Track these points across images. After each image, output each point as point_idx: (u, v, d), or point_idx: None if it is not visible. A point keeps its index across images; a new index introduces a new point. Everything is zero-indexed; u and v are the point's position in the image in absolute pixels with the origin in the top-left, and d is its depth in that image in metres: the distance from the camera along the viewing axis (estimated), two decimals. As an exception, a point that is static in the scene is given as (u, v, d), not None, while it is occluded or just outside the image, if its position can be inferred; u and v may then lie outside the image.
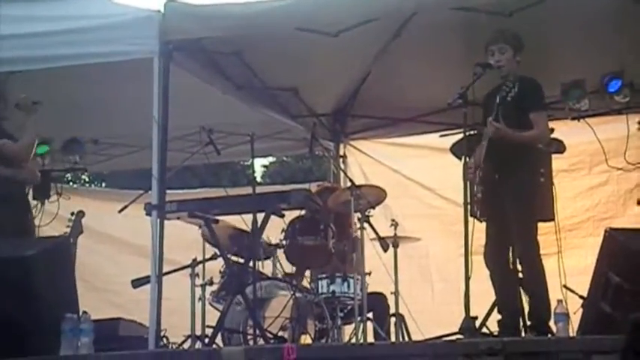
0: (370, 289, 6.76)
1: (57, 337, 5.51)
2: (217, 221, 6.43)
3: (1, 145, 6.42)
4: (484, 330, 6.20)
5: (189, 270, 6.49)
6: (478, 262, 6.18)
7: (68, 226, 7.09)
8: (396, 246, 6.84)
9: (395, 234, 6.84)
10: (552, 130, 6.69)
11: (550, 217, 6.57)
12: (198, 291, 6.43)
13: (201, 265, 6.55)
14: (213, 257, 6.61)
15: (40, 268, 5.58)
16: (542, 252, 6.94)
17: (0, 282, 5.50)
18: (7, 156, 6.45)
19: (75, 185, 14.64)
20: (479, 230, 6.24)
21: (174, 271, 6.54)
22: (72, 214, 7.18)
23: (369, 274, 6.92)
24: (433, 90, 7.25)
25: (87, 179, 19.79)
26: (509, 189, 5.97)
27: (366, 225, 6.58)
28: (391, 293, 6.79)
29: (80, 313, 5.71)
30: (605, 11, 6.33)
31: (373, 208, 6.80)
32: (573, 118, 6.88)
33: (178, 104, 6.22)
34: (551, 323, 5.99)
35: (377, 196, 6.95)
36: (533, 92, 6.01)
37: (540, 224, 6.70)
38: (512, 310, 6.06)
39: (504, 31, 6.15)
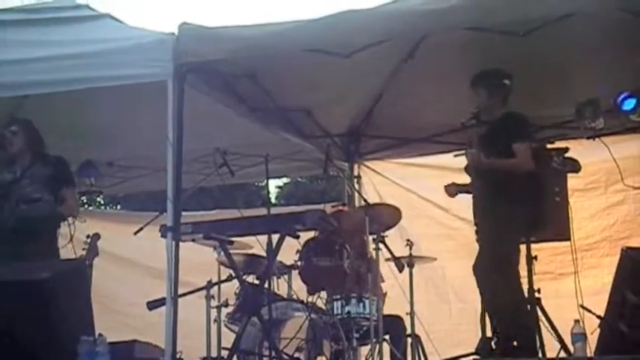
0: (386, 310, 6.74)
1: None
2: (232, 242, 6.43)
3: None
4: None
5: (204, 292, 6.48)
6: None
7: (84, 249, 7.09)
8: (411, 266, 6.83)
9: (410, 254, 6.83)
10: (567, 149, 6.71)
11: (566, 237, 6.56)
12: (213, 313, 6.43)
13: (216, 287, 6.55)
14: (229, 279, 6.60)
15: (56, 291, 5.59)
16: (559, 271, 6.97)
17: (16, 305, 5.52)
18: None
19: (90, 208, 14.71)
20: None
21: (190, 292, 6.54)
22: (87, 236, 7.19)
23: (385, 294, 6.93)
24: (447, 110, 7.26)
25: (102, 202, 19.84)
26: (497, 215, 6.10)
27: (381, 245, 6.57)
28: (407, 314, 6.77)
29: (96, 336, 5.72)
30: (619, 29, 6.31)
31: (389, 228, 6.80)
32: (588, 137, 6.86)
33: (193, 126, 6.24)
34: (569, 343, 5.97)
35: (392, 216, 6.95)
36: (516, 125, 6.15)
37: (556, 244, 6.71)
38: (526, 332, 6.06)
39: (476, 75, 6.41)
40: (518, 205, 6.01)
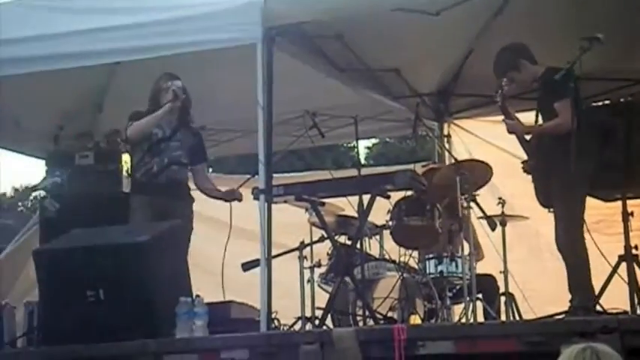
0: (479, 269, 6.71)
1: (172, 320, 5.66)
2: (324, 204, 6.47)
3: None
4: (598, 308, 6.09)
5: (297, 253, 6.56)
6: (590, 241, 6.09)
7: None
8: (504, 224, 6.77)
9: (502, 212, 6.77)
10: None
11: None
12: (306, 273, 6.50)
13: (309, 248, 6.62)
14: (321, 240, 6.66)
15: (155, 254, 5.73)
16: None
17: (116, 268, 5.69)
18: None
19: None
20: (591, 207, 6.16)
21: (283, 253, 6.62)
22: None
23: (482, 258, 6.89)
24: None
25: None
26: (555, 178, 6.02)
27: (472, 204, 6.54)
28: (500, 272, 6.73)
29: (194, 297, 5.85)
30: None
31: (480, 187, 6.75)
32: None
33: (282, 89, 6.28)
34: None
35: (482, 173, 6.89)
36: (554, 83, 5.94)
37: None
38: (591, 293, 5.97)
39: (495, 65, 6.33)
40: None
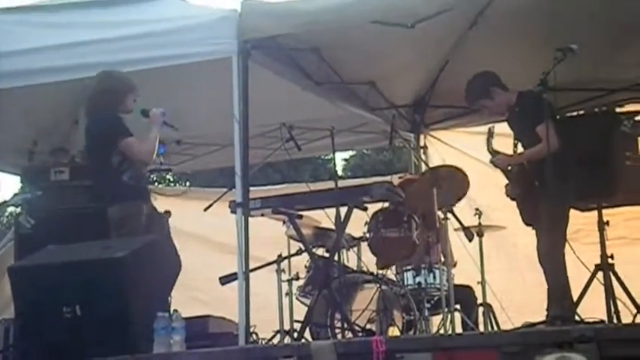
0: (457, 280, 6.72)
1: (150, 336, 5.62)
2: (301, 216, 6.46)
3: (129, 143, 6.28)
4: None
5: (275, 266, 6.55)
6: (567, 251, 6.13)
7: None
8: (480, 235, 6.79)
9: (479, 223, 6.79)
10: (638, 112, 6.59)
11: (638, 201, 6.47)
12: (285, 286, 6.48)
13: (286, 261, 6.60)
14: (298, 252, 6.65)
15: (132, 269, 5.70)
16: (633, 236, 6.87)
17: (93, 284, 5.65)
18: (130, 157, 6.30)
19: (160, 186, 14.90)
20: (570, 216, 6.21)
21: (261, 267, 6.61)
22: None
23: (455, 264, 6.91)
24: (512, 77, 7.15)
25: (171, 179, 20.09)
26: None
27: (449, 215, 6.55)
28: (478, 283, 6.75)
29: (171, 311, 5.82)
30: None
31: (459, 199, 6.79)
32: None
33: (258, 102, 6.27)
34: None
35: (460, 183, 6.91)
36: (531, 108, 6.09)
37: (630, 208, 6.62)
38: (569, 303, 6.03)
39: (466, 92, 6.56)
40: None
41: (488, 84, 6.48)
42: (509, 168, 6.56)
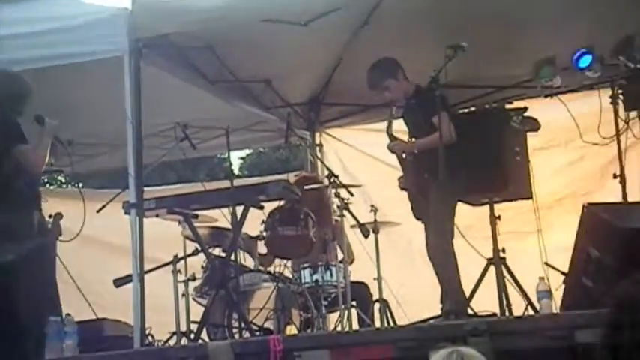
0: (354, 277, 6.77)
1: (42, 341, 5.50)
2: (197, 216, 6.42)
3: (23, 151, 6.01)
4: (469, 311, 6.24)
5: (171, 267, 6.48)
6: (460, 245, 6.25)
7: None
8: (376, 232, 6.85)
9: (375, 220, 6.85)
10: (526, 108, 6.75)
11: (528, 196, 6.62)
12: (181, 287, 6.42)
13: (182, 261, 6.54)
14: (195, 252, 6.60)
15: (21, 273, 5.55)
16: (522, 230, 7.03)
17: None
18: (23, 164, 6.04)
19: (52, 187, 14.58)
20: (462, 212, 6.32)
21: (156, 268, 6.53)
22: (50, 216, 7.13)
23: (352, 261, 6.95)
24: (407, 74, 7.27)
25: (63, 181, 19.66)
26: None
27: (345, 212, 6.60)
28: (374, 279, 6.81)
29: (64, 316, 5.70)
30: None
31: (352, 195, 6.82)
32: (546, 96, 6.91)
33: (152, 101, 6.20)
34: (535, 301, 6.05)
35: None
36: (426, 100, 6.19)
37: (519, 203, 6.77)
38: (462, 297, 6.15)
39: (370, 73, 6.53)
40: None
41: (395, 66, 6.53)
42: (404, 156, 6.61)
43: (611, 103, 6.70)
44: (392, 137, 6.63)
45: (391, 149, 6.63)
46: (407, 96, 6.54)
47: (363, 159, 8.68)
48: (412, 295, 7.54)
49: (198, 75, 7.23)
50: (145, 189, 6.16)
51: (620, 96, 6.65)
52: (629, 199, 6.48)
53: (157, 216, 6.37)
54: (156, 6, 6.25)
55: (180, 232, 6.61)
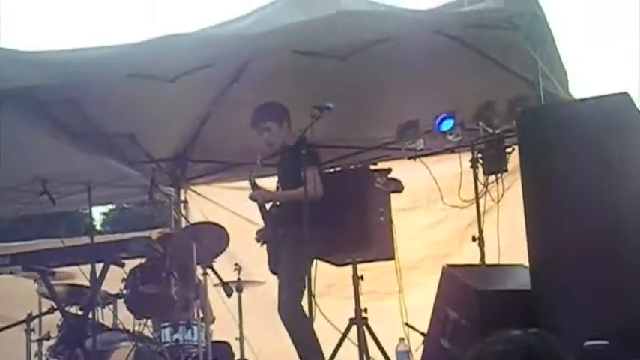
0: (216, 336, 6.66)
1: None
2: (54, 273, 6.21)
3: None
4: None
5: (24, 325, 6.24)
6: (322, 305, 6.24)
7: None
8: (240, 290, 6.79)
9: (239, 278, 6.79)
10: (390, 170, 6.85)
11: (390, 256, 6.69)
12: (34, 346, 6.18)
13: (37, 320, 6.31)
14: (50, 311, 6.37)
15: None
16: (385, 290, 7.08)
17: None
18: None
19: None
20: (324, 271, 6.33)
21: (9, 327, 6.29)
22: None
23: (214, 320, 6.85)
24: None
25: None
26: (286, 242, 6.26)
27: (209, 270, 6.51)
28: (236, 339, 6.73)
29: None
30: (437, 54, 6.54)
31: (217, 255, 6.76)
32: (410, 158, 7.04)
33: (11, 154, 6.01)
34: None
35: (219, 238, 6.89)
36: (302, 154, 6.23)
37: (381, 263, 6.83)
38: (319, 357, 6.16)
39: (256, 111, 6.52)
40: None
41: (284, 114, 6.52)
42: (268, 207, 6.59)
43: (472, 167, 6.87)
44: (254, 186, 6.61)
45: (252, 197, 6.59)
46: (284, 144, 6.53)
47: (228, 216, 8.60)
48: (274, 356, 7.47)
49: (60, 129, 7.06)
50: (1, 244, 5.93)
51: (480, 160, 6.83)
52: (487, 262, 6.62)
53: (11, 273, 6.14)
54: (17, 57, 6.08)
55: (35, 290, 6.39)
